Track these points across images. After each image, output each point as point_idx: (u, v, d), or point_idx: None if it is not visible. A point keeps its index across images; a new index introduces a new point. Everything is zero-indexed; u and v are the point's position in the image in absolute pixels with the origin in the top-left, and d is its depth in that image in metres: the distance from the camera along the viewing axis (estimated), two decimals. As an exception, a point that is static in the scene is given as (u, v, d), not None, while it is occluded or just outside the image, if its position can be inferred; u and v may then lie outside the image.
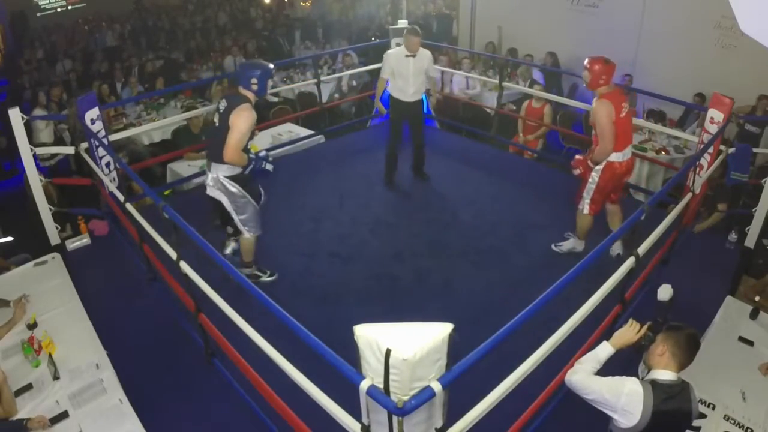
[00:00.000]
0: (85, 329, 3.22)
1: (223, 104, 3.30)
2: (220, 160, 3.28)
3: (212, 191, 3.43)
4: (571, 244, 4.03)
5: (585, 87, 3.62)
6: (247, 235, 3.54)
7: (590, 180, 3.69)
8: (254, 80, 3.24)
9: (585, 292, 2.51)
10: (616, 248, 3.78)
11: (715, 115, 4.00)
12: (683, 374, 2.03)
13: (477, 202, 4.76)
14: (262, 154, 3.44)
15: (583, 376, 2.08)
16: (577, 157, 3.78)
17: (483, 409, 1.97)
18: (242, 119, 3.16)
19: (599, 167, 3.62)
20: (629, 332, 2.17)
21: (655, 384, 1.97)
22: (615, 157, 3.57)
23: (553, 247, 4.06)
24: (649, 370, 2.08)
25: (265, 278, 3.78)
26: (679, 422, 2.02)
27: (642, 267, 3.03)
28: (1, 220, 4.60)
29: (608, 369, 2.13)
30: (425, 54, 4.74)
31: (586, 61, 3.53)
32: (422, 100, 4.90)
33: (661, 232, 3.03)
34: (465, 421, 1.93)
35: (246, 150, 3.36)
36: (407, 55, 4.64)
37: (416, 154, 5.15)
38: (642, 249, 2.80)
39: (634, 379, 2.00)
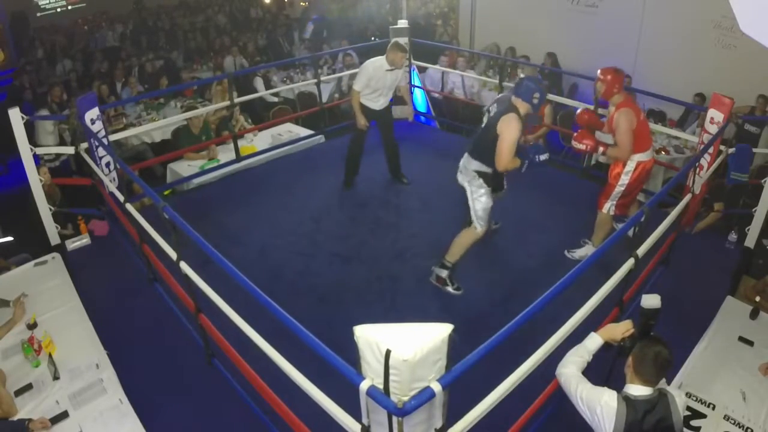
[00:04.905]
0: (85, 329, 3.23)
1: (493, 108, 3.41)
2: (476, 156, 3.44)
3: (460, 176, 3.57)
4: (584, 251, 3.94)
5: (600, 96, 3.67)
6: (477, 228, 3.53)
7: (619, 183, 3.69)
8: (537, 95, 3.28)
9: (585, 292, 2.51)
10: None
11: (715, 116, 4.00)
12: (684, 375, 2.00)
13: (477, 202, 4.75)
14: (534, 152, 3.39)
15: (572, 372, 2.06)
16: (582, 130, 3.71)
17: (483, 409, 1.97)
18: (510, 129, 3.22)
19: (629, 169, 3.65)
20: (618, 329, 2.16)
21: (628, 400, 1.91)
22: (642, 156, 3.63)
23: (566, 253, 3.98)
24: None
25: (450, 288, 3.67)
26: None
27: (641, 268, 3.03)
28: (1, 220, 4.60)
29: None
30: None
31: (599, 72, 3.60)
32: (390, 105, 4.88)
33: (661, 233, 3.03)
34: (465, 421, 1.93)
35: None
36: (387, 69, 4.53)
37: (391, 158, 5.10)
38: (641, 250, 2.80)
39: (612, 393, 1.95)
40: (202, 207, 4.72)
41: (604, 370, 2.31)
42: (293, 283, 3.80)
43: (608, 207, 3.77)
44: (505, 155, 3.26)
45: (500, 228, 4.36)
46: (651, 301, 2.20)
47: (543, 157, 3.38)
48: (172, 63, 9.35)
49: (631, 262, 2.74)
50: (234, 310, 2.45)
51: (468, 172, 3.50)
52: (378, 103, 4.72)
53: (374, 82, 4.56)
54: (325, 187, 5.08)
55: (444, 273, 3.66)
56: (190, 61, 9.58)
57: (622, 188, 3.69)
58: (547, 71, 7.24)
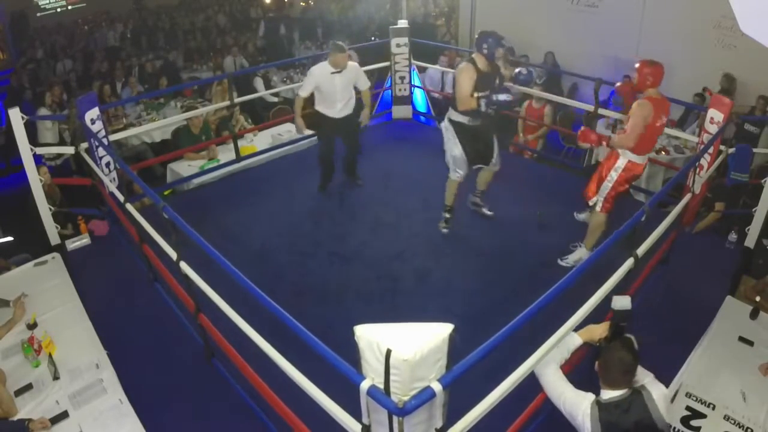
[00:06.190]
0: (85, 329, 3.23)
1: None
2: (452, 105, 3.97)
3: (442, 125, 4.10)
4: (577, 255, 3.90)
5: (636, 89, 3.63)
6: (450, 174, 4.11)
7: (608, 178, 3.67)
8: (485, 45, 3.76)
9: (585, 292, 2.50)
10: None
11: (715, 116, 4.00)
12: (684, 375, 2.00)
13: (477, 202, 4.75)
14: (497, 92, 3.75)
15: (552, 377, 2.08)
16: (584, 128, 3.76)
17: (483, 409, 1.97)
18: (459, 75, 3.81)
19: (619, 165, 3.63)
20: (597, 330, 2.18)
21: (600, 404, 1.93)
22: (635, 158, 3.60)
23: (559, 261, 3.94)
24: None
25: (442, 225, 4.30)
26: None
27: (641, 268, 3.03)
28: (1, 220, 4.60)
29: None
30: (353, 67, 4.56)
31: (636, 64, 3.57)
32: (353, 114, 4.72)
33: (661, 232, 3.03)
34: (465, 421, 1.93)
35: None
36: (333, 72, 4.43)
37: (348, 163, 5.03)
38: (641, 250, 2.80)
39: (592, 398, 1.97)
40: (202, 207, 4.72)
41: (586, 370, 2.31)
42: (293, 283, 3.80)
43: (595, 200, 3.74)
44: (459, 97, 3.79)
45: (498, 226, 4.36)
46: (621, 302, 2.16)
47: (502, 96, 3.71)
48: (171, 63, 9.35)
49: (630, 261, 2.74)
50: (234, 309, 2.45)
51: (444, 122, 4.02)
52: (335, 110, 4.57)
53: (324, 87, 4.49)
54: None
55: (445, 214, 4.32)
56: (190, 61, 9.59)
57: (610, 184, 3.67)
58: (548, 71, 7.25)
